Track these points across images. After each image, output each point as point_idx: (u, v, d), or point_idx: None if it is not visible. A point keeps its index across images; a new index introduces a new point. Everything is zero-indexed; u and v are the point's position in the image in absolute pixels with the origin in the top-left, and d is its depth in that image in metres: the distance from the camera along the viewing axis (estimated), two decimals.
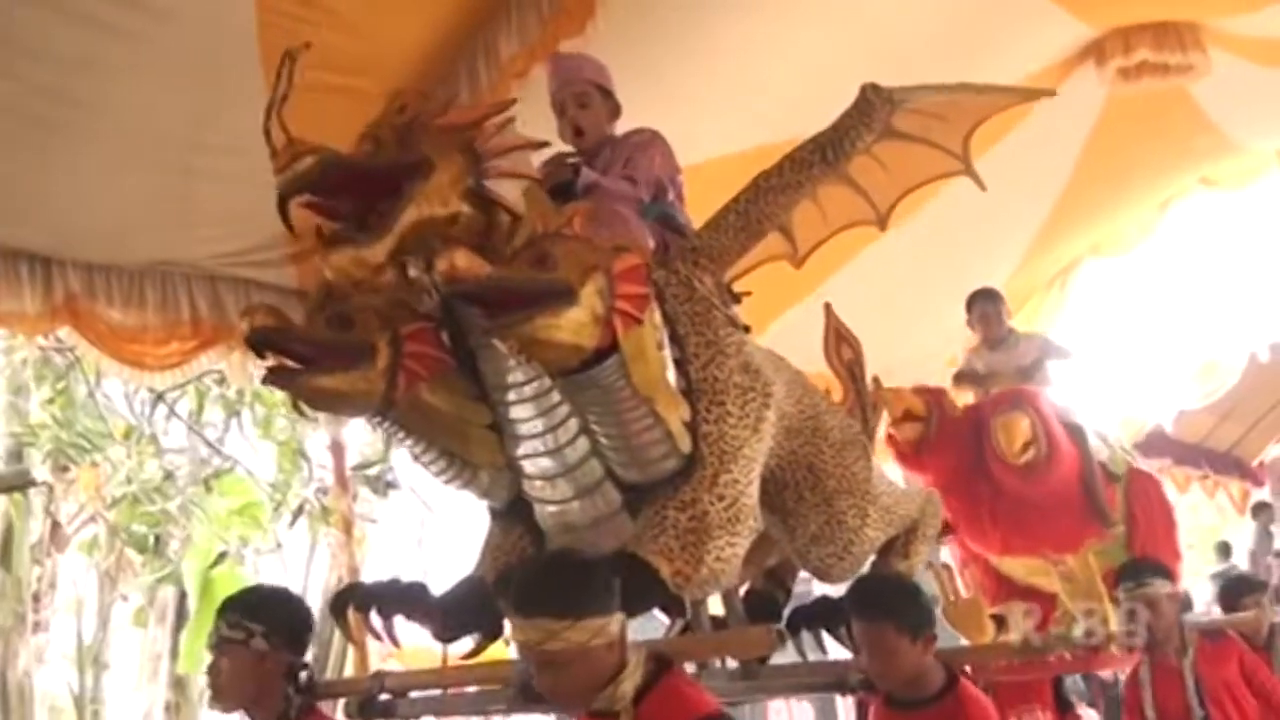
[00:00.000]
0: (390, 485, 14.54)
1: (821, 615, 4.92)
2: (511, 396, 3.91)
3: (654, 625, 4.82)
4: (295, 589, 7.36)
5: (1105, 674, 8.40)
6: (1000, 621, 7.25)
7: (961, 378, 8.06)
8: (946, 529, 7.78)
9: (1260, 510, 16.59)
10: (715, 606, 4.64)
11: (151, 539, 15.62)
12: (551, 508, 4.05)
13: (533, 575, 3.48)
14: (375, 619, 4.25)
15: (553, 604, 3.25)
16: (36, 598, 14.76)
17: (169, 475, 15.41)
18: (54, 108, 5.42)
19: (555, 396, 3.84)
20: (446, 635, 4.34)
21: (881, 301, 9.14)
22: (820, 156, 4.47)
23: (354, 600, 4.30)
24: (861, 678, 4.48)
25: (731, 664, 4.45)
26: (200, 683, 13.25)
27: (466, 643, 4.39)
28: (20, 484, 13.95)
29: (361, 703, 4.43)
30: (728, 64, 6.61)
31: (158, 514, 15.19)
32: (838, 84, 7.00)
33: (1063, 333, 9.29)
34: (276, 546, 15.90)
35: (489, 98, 5.13)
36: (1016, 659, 4.73)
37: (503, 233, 3.76)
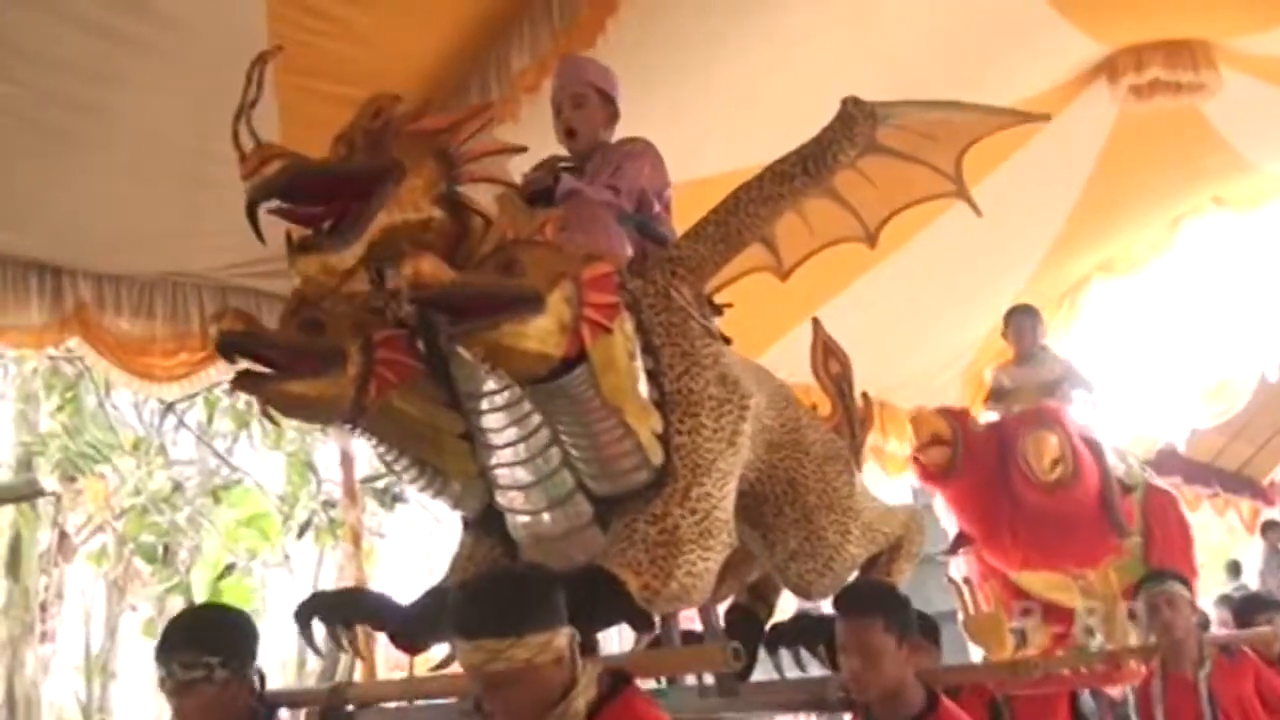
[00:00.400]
0: (398, 498, 14.54)
1: (801, 632, 4.85)
2: (484, 405, 3.85)
3: None
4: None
5: (1115, 693, 8.35)
6: (1021, 636, 7.30)
7: (991, 396, 8.11)
8: (966, 542, 7.83)
9: (1270, 529, 16.53)
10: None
11: (160, 549, 15.66)
12: (523, 518, 3.98)
13: (470, 596, 3.37)
14: (339, 629, 4.15)
15: (493, 623, 3.18)
16: (44, 607, 14.78)
17: (178, 486, 15.48)
18: (64, 116, 5.43)
19: (527, 406, 3.78)
20: (412, 646, 4.25)
21: (891, 316, 9.16)
22: (801, 169, 4.39)
23: (317, 611, 4.16)
24: (841, 695, 4.40)
25: (710, 681, 4.39)
26: None
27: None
28: (29, 494, 13.97)
29: (322, 713, 4.34)
30: (738, 80, 6.61)
31: (166, 525, 15.24)
32: None
33: (1073, 350, 9.25)
34: (285, 558, 15.93)
35: (500, 109, 5.10)
36: (1001, 678, 4.56)
37: (476, 239, 3.73)
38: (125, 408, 14.21)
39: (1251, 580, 16.34)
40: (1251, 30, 7.78)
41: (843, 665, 4.27)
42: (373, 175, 3.59)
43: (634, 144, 4.74)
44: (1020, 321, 8.18)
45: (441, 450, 4.00)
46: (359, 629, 4.24)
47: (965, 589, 7.42)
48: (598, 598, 3.54)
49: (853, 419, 5.32)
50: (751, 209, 4.35)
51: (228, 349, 3.74)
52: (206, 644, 3.89)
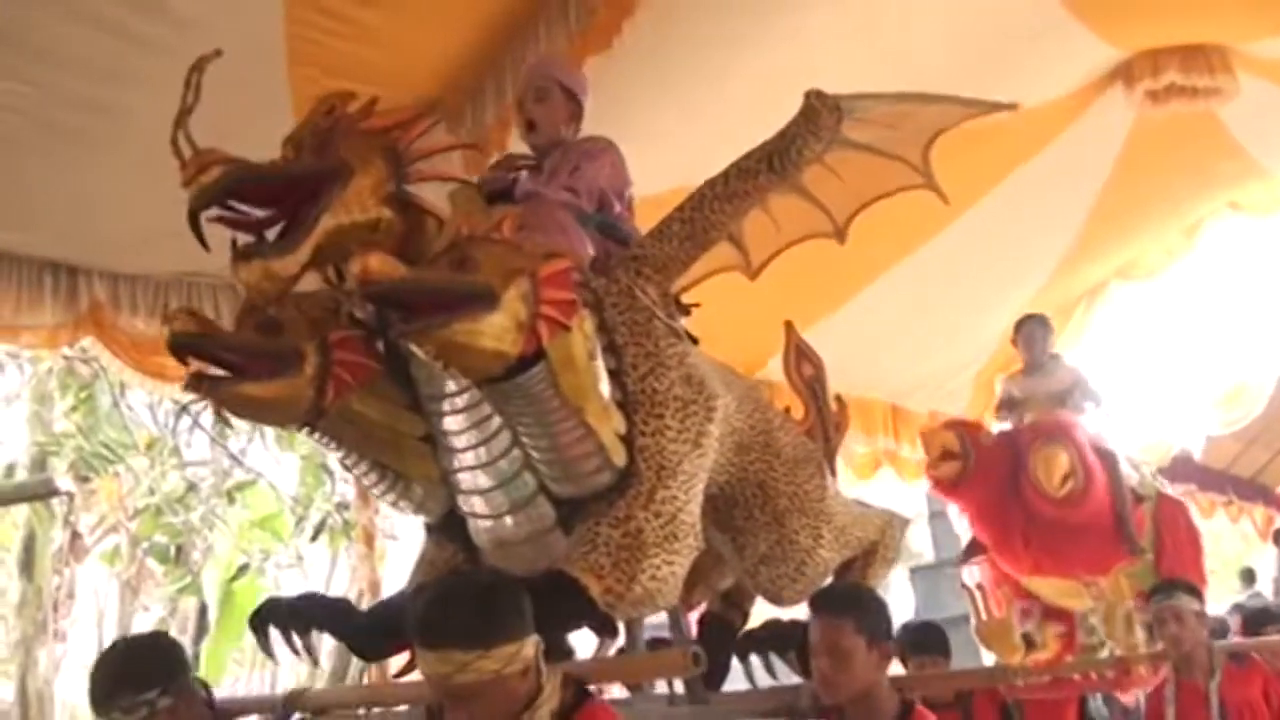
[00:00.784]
0: None
1: (771, 638, 4.77)
2: (445, 407, 3.79)
3: None
4: None
5: (1128, 700, 8.36)
6: (1030, 641, 7.31)
7: (1001, 407, 8.10)
8: (979, 550, 7.85)
9: None
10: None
11: (173, 550, 15.67)
12: (485, 523, 3.90)
13: (435, 604, 3.25)
14: (294, 636, 4.04)
15: (461, 634, 3.11)
16: (56, 607, 14.81)
17: (192, 487, 15.49)
18: (79, 116, 5.44)
19: (488, 408, 3.71)
20: (371, 653, 4.21)
21: (906, 321, 9.16)
22: (767, 165, 4.30)
23: (273, 617, 4.05)
24: (812, 702, 4.32)
25: (680, 689, 4.37)
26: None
27: None
28: (43, 493, 14.00)
29: None
30: (754, 83, 6.60)
31: (180, 525, 15.25)
32: None
33: (1088, 356, 9.24)
34: (298, 560, 15.94)
35: (515, 113, 5.08)
36: (987, 684, 4.46)
37: (428, 238, 3.66)
38: (140, 408, 14.22)
39: (1265, 587, 16.29)
40: (1268, 35, 7.75)
41: (812, 667, 4.16)
42: (318, 177, 3.50)
43: (594, 143, 4.68)
44: (1031, 330, 8.18)
45: (402, 454, 3.94)
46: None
47: (977, 594, 7.47)
48: (559, 603, 3.49)
49: (826, 422, 5.33)
50: (717, 206, 4.27)
51: (180, 350, 3.68)
52: (138, 681, 3.77)
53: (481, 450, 3.78)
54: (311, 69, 5.44)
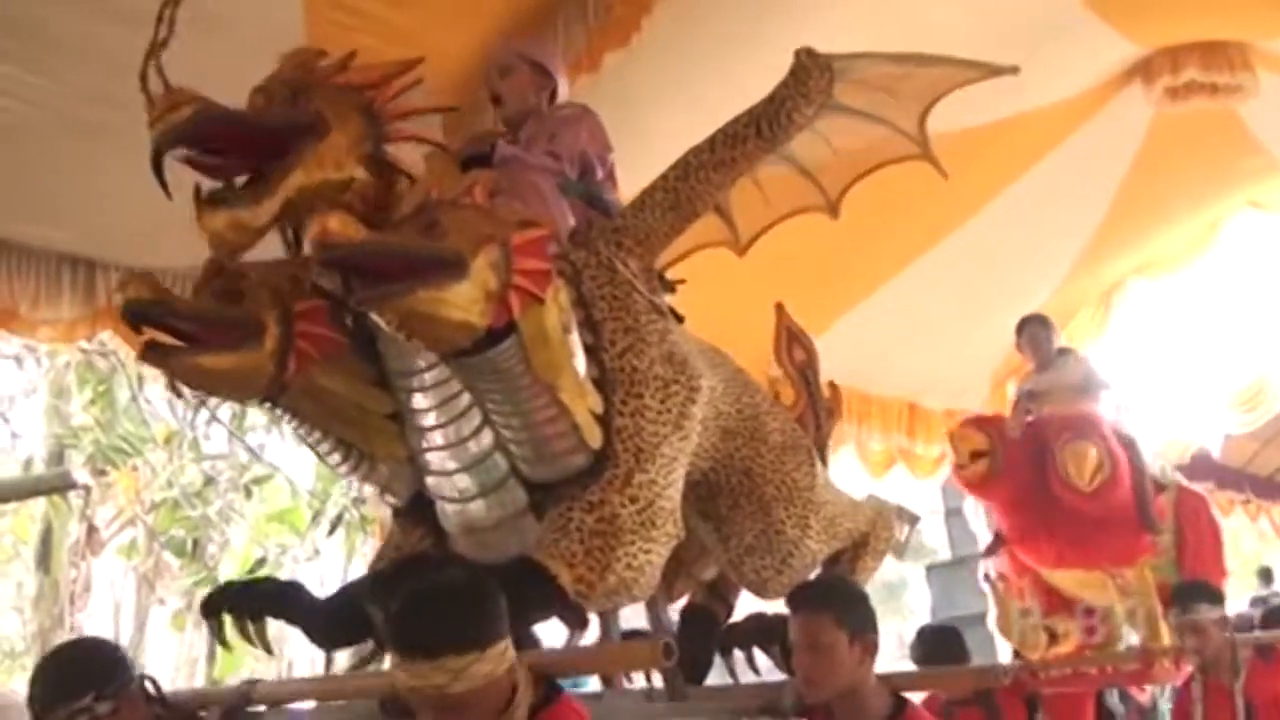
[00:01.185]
0: None
1: (754, 632, 4.63)
2: (413, 384, 3.58)
3: None
4: None
5: (1143, 699, 8.33)
6: (1053, 633, 7.32)
7: (1019, 404, 8.03)
8: (1002, 544, 7.84)
9: None
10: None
11: (190, 543, 15.72)
12: (453, 506, 3.70)
13: (418, 611, 3.02)
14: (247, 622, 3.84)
15: (454, 637, 2.91)
16: (73, 600, 14.86)
17: (209, 480, 15.53)
18: (99, 111, 5.43)
19: (458, 385, 3.51)
20: (328, 642, 4.02)
21: (925, 317, 9.14)
22: (755, 131, 4.08)
23: (225, 603, 3.84)
24: (795, 700, 4.06)
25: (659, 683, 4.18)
26: None
27: None
28: (60, 487, 14.03)
29: (225, 713, 3.97)
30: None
31: (197, 519, 15.28)
32: None
33: (1107, 353, 9.22)
34: (314, 554, 15.97)
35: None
36: (976, 685, 4.28)
37: (400, 202, 3.39)
38: (158, 401, 14.26)
39: None
40: None
41: (794, 665, 3.94)
42: (293, 129, 3.31)
43: (570, 108, 4.58)
44: (1034, 331, 8.06)
45: (368, 432, 3.75)
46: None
47: (1000, 586, 7.47)
48: (527, 592, 3.28)
49: (818, 409, 5.13)
50: (702, 175, 4.07)
51: (134, 318, 3.47)
52: (74, 686, 3.55)
53: (450, 430, 3.60)
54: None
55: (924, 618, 17.17)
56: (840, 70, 4.15)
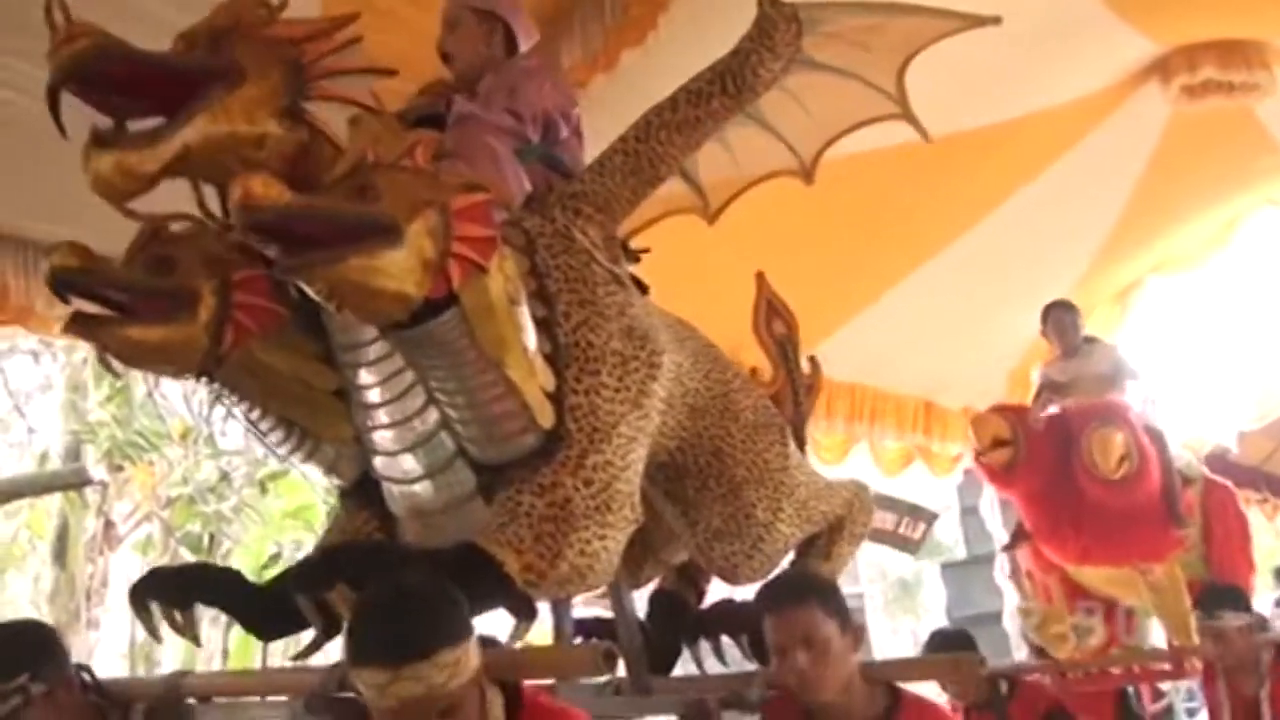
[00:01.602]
0: None
1: (722, 620, 4.44)
2: (358, 358, 3.38)
3: None
4: None
5: (1157, 707, 8.28)
6: (1078, 632, 7.28)
7: (1042, 392, 7.95)
8: (1024, 537, 7.77)
9: None
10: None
11: (206, 539, 15.75)
12: (400, 488, 3.50)
13: (397, 612, 2.81)
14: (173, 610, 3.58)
15: (446, 630, 2.75)
16: (89, 595, 14.90)
17: (225, 476, 15.55)
18: None
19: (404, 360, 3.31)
20: (266, 631, 3.69)
21: (941, 314, 9.14)
22: (720, 88, 3.85)
23: (152, 590, 3.56)
24: (763, 692, 3.85)
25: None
26: None
27: None
28: (77, 482, 14.08)
29: (150, 709, 3.70)
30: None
31: (212, 514, 15.31)
32: None
33: (1124, 350, 9.20)
34: None
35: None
36: (952, 675, 4.05)
37: (325, 166, 3.15)
38: (174, 397, 14.21)
39: None
40: None
41: (785, 668, 3.63)
42: (203, 74, 3.06)
43: (530, 60, 4.34)
44: (1059, 317, 7.98)
45: (313, 410, 3.54)
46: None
47: (1026, 583, 7.41)
48: (470, 582, 3.03)
49: (797, 386, 4.91)
50: (665, 136, 3.84)
51: (61, 287, 3.26)
52: (8, 666, 3.43)
53: (395, 407, 3.39)
54: None
55: (939, 616, 17.13)
56: (808, 21, 3.94)
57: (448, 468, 3.43)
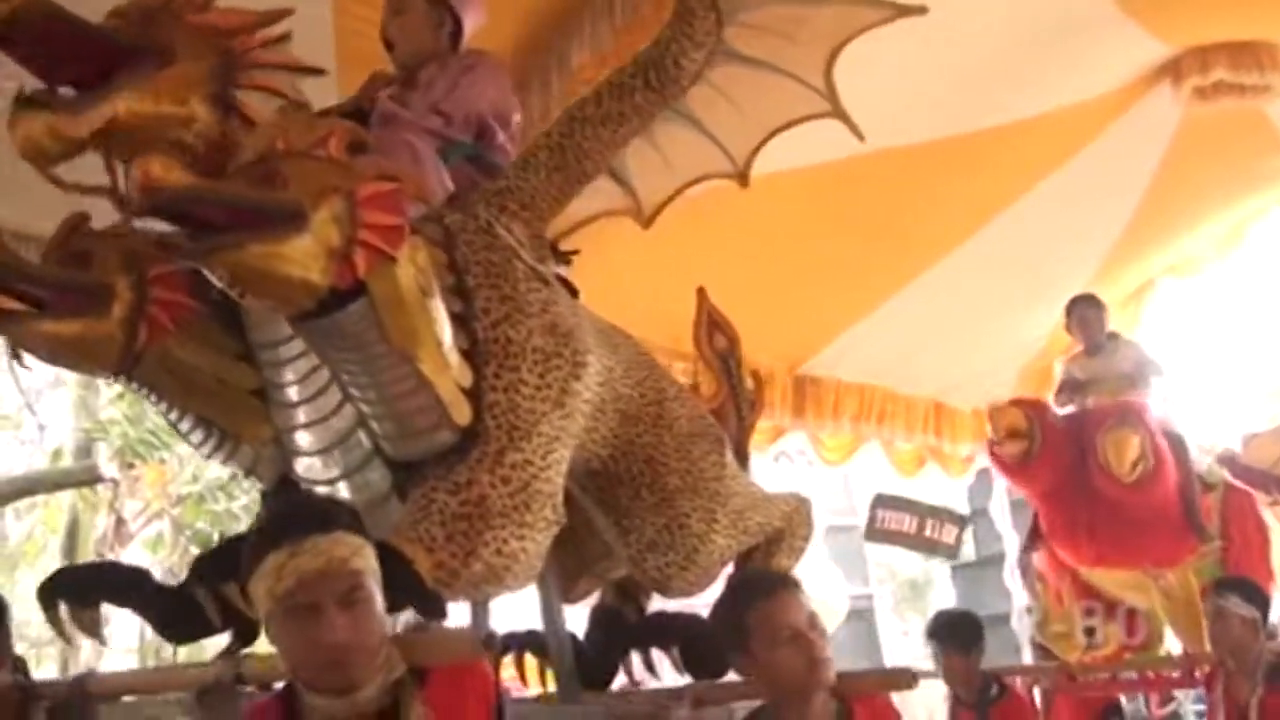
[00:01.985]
0: None
1: (652, 632, 4.40)
2: (276, 355, 3.33)
3: None
4: None
5: (1163, 712, 8.23)
6: (1091, 634, 7.23)
7: (1063, 388, 7.90)
8: (1038, 538, 7.73)
9: None
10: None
11: (216, 537, 15.76)
12: (320, 489, 3.44)
13: (306, 498, 3.01)
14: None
15: (346, 517, 2.67)
16: None
17: (235, 475, 15.55)
18: None
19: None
20: (177, 633, 3.60)
21: (951, 317, 9.14)
22: (643, 80, 3.79)
23: (60, 589, 3.46)
24: (693, 711, 3.78)
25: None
26: None
27: None
28: (88, 479, 14.10)
29: (52, 708, 3.62)
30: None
31: (222, 513, 15.32)
32: (913, 100, 7.03)
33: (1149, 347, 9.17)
34: None
35: (560, 105, 4.87)
36: (884, 686, 3.68)
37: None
38: None
39: None
40: None
41: (798, 653, 3.31)
42: (135, 50, 2.99)
43: (477, 57, 4.25)
44: (1084, 312, 7.99)
45: (231, 409, 3.48)
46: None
47: (1038, 586, 7.37)
48: (381, 580, 2.83)
49: (740, 400, 4.85)
50: (589, 131, 3.79)
51: None
52: None
53: (313, 406, 3.35)
54: (359, 63, 5.46)
55: None
56: (728, 10, 3.87)
57: (364, 467, 3.39)
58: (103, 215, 3.32)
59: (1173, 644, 7.76)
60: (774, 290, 7.84)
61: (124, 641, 16.52)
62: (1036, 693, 7.39)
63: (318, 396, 3.34)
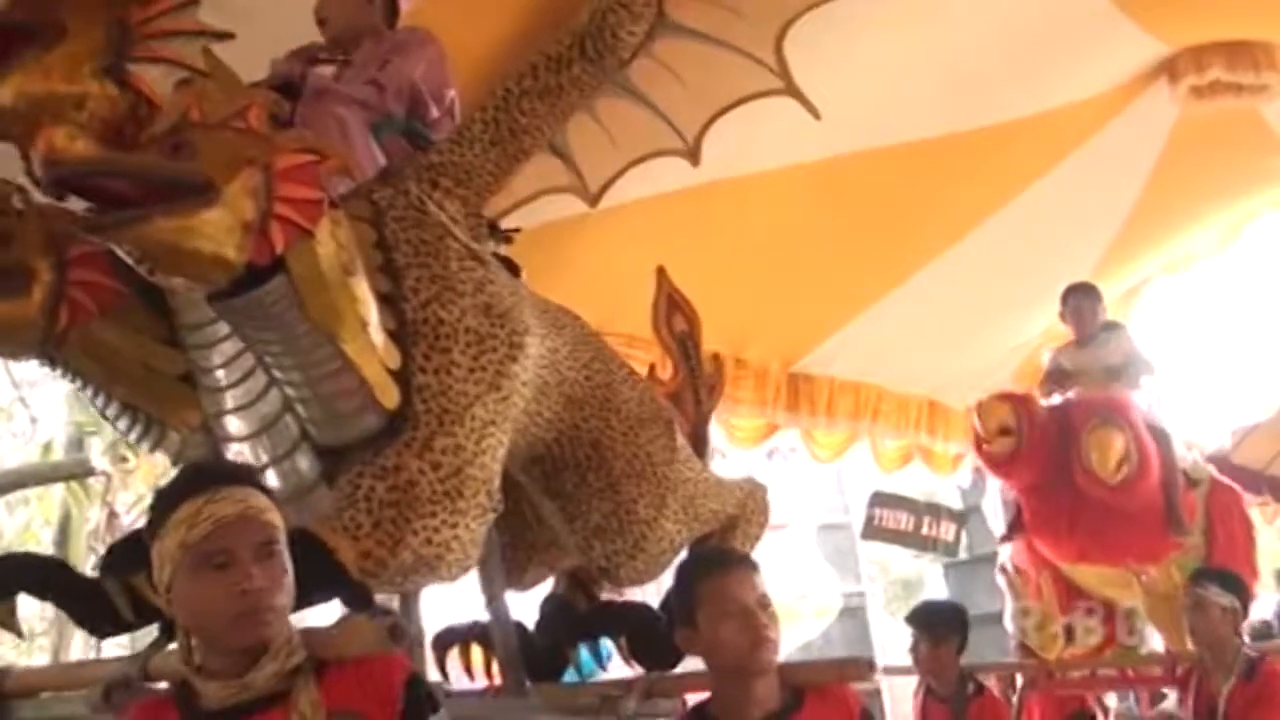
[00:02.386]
0: None
1: (601, 622, 4.26)
2: (203, 338, 3.19)
3: None
4: None
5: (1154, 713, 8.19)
6: (1070, 632, 7.17)
7: (1048, 378, 7.81)
8: (1018, 530, 7.67)
9: None
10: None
11: None
12: None
13: (225, 462, 2.91)
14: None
15: (258, 482, 2.56)
16: None
17: None
18: None
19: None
20: (93, 625, 3.42)
21: (945, 315, 9.14)
22: (580, 52, 3.67)
23: None
24: (640, 703, 3.69)
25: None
26: None
27: None
28: (80, 473, 14.08)
29: None
30: (800, 76, 6.61)
31: None
32: (908, 98, 7.03)
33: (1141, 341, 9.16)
34: None
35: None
36: (840, 677, 3.59)
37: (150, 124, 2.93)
38: None
39: None
40: None
41: (745, 628, 3.17)
42: (19, 31, 2.85)
43: (411, 34, 4.17)
44: (1079, 302, 7.86)
45: (158, 395, 3.35)
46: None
47: (1016, 579, 7.30)
48: (299, 569, 2.59)
49: (698, 384, 4.72)
50: (526, 105, 3.66)
51: None
52: None
53: (240, 390, 3.22)
54: None
55: None
56: None
57: (292, 453, 3.27)
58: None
59: (1156, 643, 7.73)
60: (769, 287, 7.83)
61: (117, 637, 16.53)
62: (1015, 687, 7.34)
63: (244, 380, 3.21)
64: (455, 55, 5.86)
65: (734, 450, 9.58)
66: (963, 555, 18.08)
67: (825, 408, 9.56)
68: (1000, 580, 7.68)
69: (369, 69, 3.94)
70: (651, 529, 3.89)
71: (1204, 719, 5.98)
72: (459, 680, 4.26)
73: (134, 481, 15.35)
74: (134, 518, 15.65)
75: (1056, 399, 7.69)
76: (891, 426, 10.23)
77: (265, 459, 3.25)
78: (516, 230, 4.08)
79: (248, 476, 2.54)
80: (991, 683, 6.98)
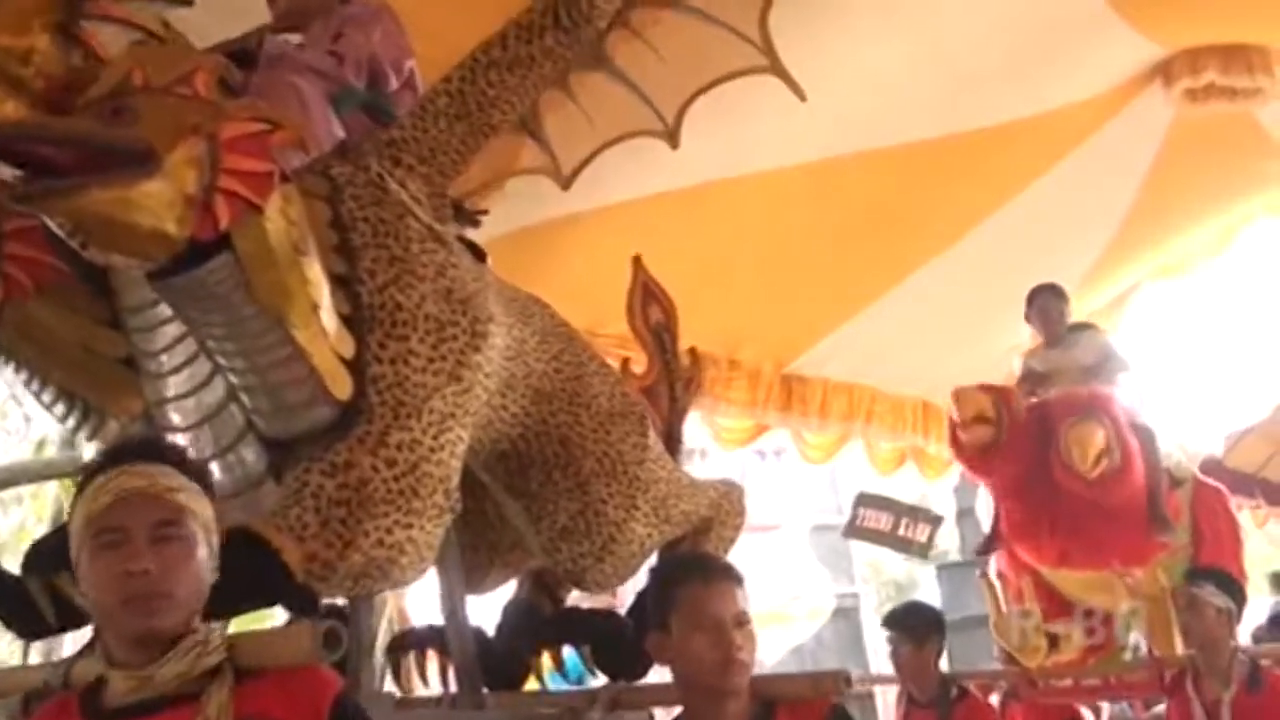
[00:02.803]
0: None
1: (565, 629, 4.07)
2: (145, 320, 2.98)
3: None
4: None
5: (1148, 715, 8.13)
6: (1053, 639, 7.09)
7: (1023, 382, 7.71)
8: (997, 541, 7.59)
9: None
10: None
11: None
12: None
13: (146, 436, 2.75)
14: None
15: (179, 459, 2.41)
16: None
17: None
18: None
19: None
20: (19, 627, 3.23)
21: (940, 316, 9.15)
22: (552, 20, 3.45)
23: None
24: (607, 712, 3.50)
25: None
26: None
27: None
28: (72, 471, 14.01)
29: None
30: (798, 79, 6.62)
31: None
32: (904, 100, 7.03)
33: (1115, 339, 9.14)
34: None
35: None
36: (814, 692, 3.44)
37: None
38: None
39: None
40: None
41: (717, 645, 3.01)
42: None
43: (362, 7, 3.91)
44: (1044, 303, 7.59)
45: (97, 380, 3.17)
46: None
47: (998, 585, 7.21)
48: (238, 572, 2.49)
49: (674, 378, 4.54)
50: (494, 77, 3.44)
51: None
52: None
53: (183, 377, 3.00)
54: None
55: None
56: None
57: (237, 445, 3.04)
58: None
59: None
60: (763, 288, 7.84)
61: None
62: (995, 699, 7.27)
63: (187, 366, 3.00)
64: (451, 52, 5.88)
65: (720, 450, 9.58)
66: (955, 557, 18.12)
67: (819, 409, 9.57)
68: (984, 590, 7.54)
69: (323, 43, 3.70)
70: (621, 530, 3.71)
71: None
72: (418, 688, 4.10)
73: None
74: None
75: (1035, 399, 7.59)
76: (886, 428, 10.24)
77: (209, 450, 3.03)
78: (484, 212, 3.89)
79: (173, 456, 2.40)
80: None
